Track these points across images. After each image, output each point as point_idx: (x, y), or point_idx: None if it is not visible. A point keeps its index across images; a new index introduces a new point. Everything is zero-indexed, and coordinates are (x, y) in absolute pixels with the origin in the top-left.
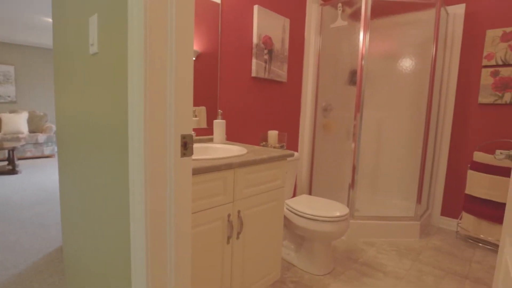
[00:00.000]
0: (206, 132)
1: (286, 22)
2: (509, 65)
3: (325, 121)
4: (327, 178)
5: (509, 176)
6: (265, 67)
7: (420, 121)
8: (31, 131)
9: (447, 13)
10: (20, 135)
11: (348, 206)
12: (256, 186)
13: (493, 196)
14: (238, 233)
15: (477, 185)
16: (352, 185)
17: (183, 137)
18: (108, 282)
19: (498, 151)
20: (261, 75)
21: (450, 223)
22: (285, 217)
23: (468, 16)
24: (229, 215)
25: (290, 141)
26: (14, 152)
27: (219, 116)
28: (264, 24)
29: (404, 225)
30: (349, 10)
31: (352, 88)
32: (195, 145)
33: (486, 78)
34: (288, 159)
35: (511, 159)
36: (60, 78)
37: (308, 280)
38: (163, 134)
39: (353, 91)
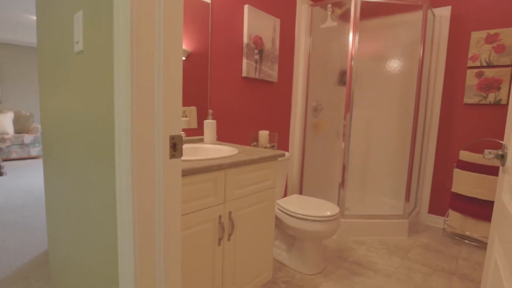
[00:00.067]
0: (196, 133)
1: (277, 22)
2: (493, 66)
3: (315, 121)
4: (318, 177)
5: (493, 175)
6: (255, 67)
7: (408, 121)
8: (17, 131)
9: (434, 15)
10: (5, 136)
11: (338, 205)
12: (247, 187)
13: (479, 194)
14: (229, 235)
15: (463, 183)
16: (342, 184)
17: (172, 138)
18: (95, 286)
19: (486, 151)
20: (252, 75)
21: (437, 221)
22: (276, 217)
23: (453, 18)
24: (220, 217)
25: (281, 141)
26: None
27: (210, 116)
28: (255, 24)
29: (393, 223)
30: (338, 11)
31: (342, 88)
32: (185, 146)
33: (471, 79)
34: (279, 159)
35: (499, 158)
36: (44, 77)
37: (300, 279)
38: (151, 135)
39: (343, 91)
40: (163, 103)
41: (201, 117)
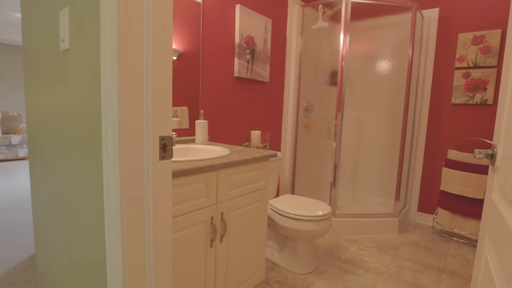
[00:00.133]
0: (188, 133)
1: (268, 22)
2: (479, 67)
3: (307, 121)
4: (310, 177)
5: (480, 173)
6: (247, 67)
7: (397, 120)
8: (4, 132)
9: (422, 17)
10: None
11: (330, 204)
12: (240, 188)
13: (466, 192)
14: (222, 236)
15: (451, 181)
16: (334, 183)
17: (162, 139)
18: None
19: (477, 150)
20: (244, 75)
21: (426, 219)
22: (268, 217)
23: (441, 20)
24: (212, 218)
25: (273, 141)
26: None
27: (201, 117)
28: (246, 23)
29: (384, 222)
30: (329, 12)
31: (332, 89)
32: (177, 146)
33: (458, 79)
34: (271, 159)
35: (489, 158)
36: (30, 76)
37: (292, 279)
38: (139, 137)
39: (334, 91)
40: (152, 103)
41: (193, 117)
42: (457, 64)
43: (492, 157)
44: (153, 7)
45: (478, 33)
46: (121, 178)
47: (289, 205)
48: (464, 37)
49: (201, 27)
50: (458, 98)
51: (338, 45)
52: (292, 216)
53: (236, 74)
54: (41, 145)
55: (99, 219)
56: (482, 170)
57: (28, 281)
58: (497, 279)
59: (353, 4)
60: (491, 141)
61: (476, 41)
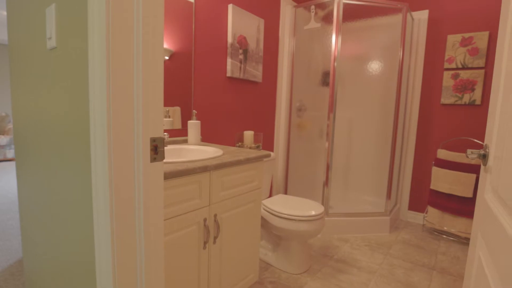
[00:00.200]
0: (180, 133)
1: (261, 22)
2: (467, 68)
3: (299, 121)
4: (302, 177)
5: (469, 172)
6: (240, 67)
7: (388, 120)
8: None
9: (412, 19)
10: None
11: (323, 203)
12: (233, 189)
13: (456, 190)
14: (215, 238)
15: (441, 180)
16: (326, 183)
17: (153, 140)
18: None
19: (469, 151)
20: (236, 75)
21: (416, 217)
22: (262, 218)
23: (431, 21)
24: (205, 220)
25: (266, 141)
26: None
27: (194, 117)
28: (239, 23)
29: (375, 221)
30: (321, 13)
31: (324, 89)
32: (169, 147)
33: (447, 80)
34: (265, 159)
35: (481, 158)
36: (16, 76)
37: (286, 279)
38: (129, 138)
39: (325, 91)
40: (143, 103)
41: (185, 117)
42: (446, 65)
43: (484, 157)
44: (144, 5)
45: (466, 35)
46: (111, 182)
47: (282, 205)
48: (453, 39)
49: (193, 27)
50: (447, 98)
51: (330, 45)
52: (285, 216)
53: (229, 74)
54: (28, 147)
55: (88, 223)
56: (471, 169)
57: (15, 286)
58: (491, 277)
59: (345, 5)
60: (480, 140)
61: (464, 42)
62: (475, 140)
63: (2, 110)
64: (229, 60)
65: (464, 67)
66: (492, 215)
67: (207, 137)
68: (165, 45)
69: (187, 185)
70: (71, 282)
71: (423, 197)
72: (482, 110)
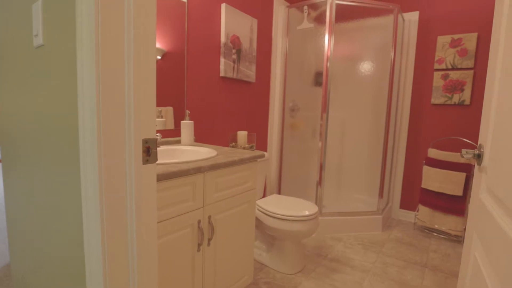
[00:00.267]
0: (173, 134)
1: (254, 22)
2: (457, 69)
3: (292, 121)
4: (295, 176)
5: (459, 171)
6: (233, 67)
7: (380, 120)
8: None
9: (403, 20)
10: None
11: (316, 203)
12: (227, 190)
13: (446, 189)
14: (209, 240)
15: (432, 179)
16: (319, 182)
17: (146, 141)
18: None
19: (464, 150)
20: (230, 75)
21: (408, 215)
22: (256, 218)
23: (421, 23)
24: (199, 222)
25: (259, 141)
26: None
27: (187, 117)
28: (232, 23)
29: (368, 219)
30: (314, 13)
31: (317, 89)
32: (162, 148)
33: (437, 80)
34: (259, 159)
35: (476, 158)
36: (2, 74)
37: (280, 279)
38: (120, 139)
39: (318, 91)
40: (135, 103)
41: (178, 117)
42: (436, 66)
43: (479, 157)
44: (135, 1)
45: (456, 36)
46: (101, 185)
47: (276, 205)
48: (443, 40)
49: (186, 26)
50: (437, 98)
51: (323, 46)
52: (280, 216)
53: (222, 74)
54: (15, 148)
55: (77, 227)
56: (461, 168)
57: None
58: (488, 277)
59: (338, 5)
60: (469, 139)
61: (453, 43)
62: (465, 140)
63: None
64: (222, 60)
65: (453, 68)
66: (488, 215)
67: (200, 138)
68: (157, 45)
69: (181, 186)
70: (60, 286)
71: (414, 195)
72: (471, 110)
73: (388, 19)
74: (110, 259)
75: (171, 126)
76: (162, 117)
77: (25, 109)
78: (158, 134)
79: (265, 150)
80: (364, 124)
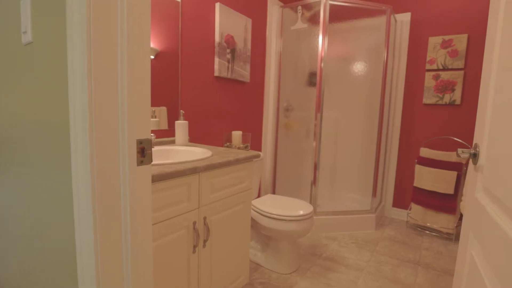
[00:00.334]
0: (167, 134)
1: (248, 22)
2: (448, 69)
3: (286, 121)
4: (290, 176)
5: (450, 170)
6: (228, 67)
7: (373, 120)
8: None
9: (396, 21)
10: None
11: (311, 202)
12: (223, 190)
13: (438, 187)
14: (205, 241)
15: (424, 178)
16: (314, 182)
17: (140, 142)
18: None
19: (460, 150)
20: (224, 74)
21: (401, 214)
22: (251, 218)
23: (413, 23)
24: (194, 223)
25: (254, 141)
26: None
27: (181, 117)
28: (226, 22)
29: (362, 218)
30: (308, 14)
31: (311, 89)
32: (156, 148)
33: (429, 81)
34: (253, 159)
35: (471, 157)
36: None
37: (276, 279)
38: (114, 140)
39: (312, 92)
40: (128, 103)
41: (172, 117)
42: (427, 66)
43: (475, 156)
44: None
45: (447, 37)
46: (93, 187)
47: (271, 205)
48: (434, 41)
49: (180, 26)
50: (428, 98)
51: (317, 46)
52: (275, 216)
53: (216, 73)
54: (3, 148)
55: (69, 230)
56: (452, 166)
57: None
58: (486, 276)
59: (331, 6)
60: (460, 138)
61: (444, 44)
62: (455, 139)
63: None
64: (216, 60)
65: (444, 68)
66: (485, 214)
67: (194, 138)
68: (151, 44)
69: (176, 187)
70: None
71: (407, 194)
72: (462, 109)
73: (380, 20)
74: (103, 263)
75: (165, 126)
76: (155, 117)
77: (14, 109)
78: (152, 134)
79: (260, 150)
80: (357, 124)
